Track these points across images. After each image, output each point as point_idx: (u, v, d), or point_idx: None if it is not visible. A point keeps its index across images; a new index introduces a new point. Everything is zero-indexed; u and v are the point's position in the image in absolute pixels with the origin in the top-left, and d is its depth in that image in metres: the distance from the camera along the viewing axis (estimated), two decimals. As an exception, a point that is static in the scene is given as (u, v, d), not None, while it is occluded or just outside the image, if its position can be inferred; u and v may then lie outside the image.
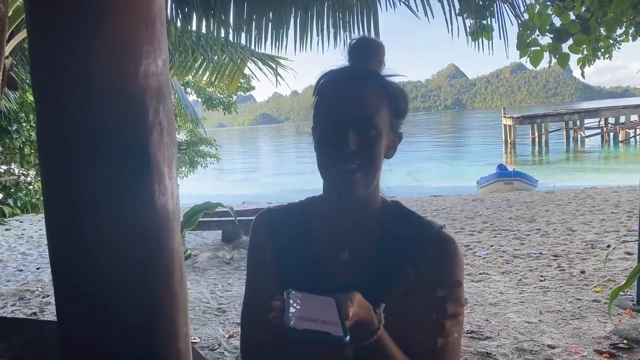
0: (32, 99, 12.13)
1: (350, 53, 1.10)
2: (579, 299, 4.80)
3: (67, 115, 1.05)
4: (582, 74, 5.40)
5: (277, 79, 6.44)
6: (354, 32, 4.57)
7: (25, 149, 12.88)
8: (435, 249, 1.07)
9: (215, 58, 6.25)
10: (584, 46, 4.91)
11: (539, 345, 3.84)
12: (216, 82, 6.96)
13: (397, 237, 1.11)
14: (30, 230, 10.75)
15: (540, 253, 6.72)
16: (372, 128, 1.04)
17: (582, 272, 5.67)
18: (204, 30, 4.72)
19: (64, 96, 1.04)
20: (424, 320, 1.01)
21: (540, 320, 4.35)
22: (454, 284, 1.02)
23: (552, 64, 4.81)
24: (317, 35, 4.63)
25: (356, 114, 1.03)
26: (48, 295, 6.03)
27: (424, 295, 1.02)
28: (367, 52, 1.09)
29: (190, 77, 11.47)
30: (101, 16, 1.04)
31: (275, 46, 4.78)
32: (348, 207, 1.11)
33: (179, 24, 4.69)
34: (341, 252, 1.11)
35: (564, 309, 4.58)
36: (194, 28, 4.84)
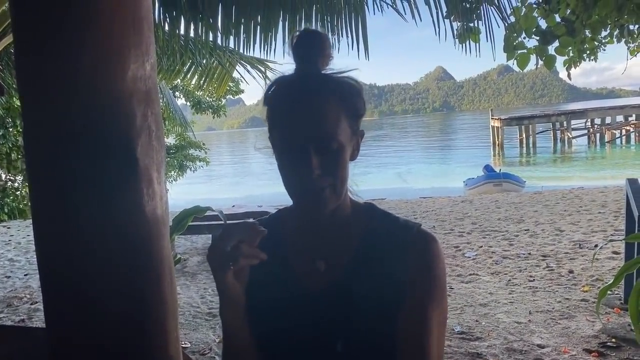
0: (18, 104, 12.04)
1: (294, 52, 1.03)
2: (567, 299, 4.84)
3: (53, 119, 1.04)
4: (568, 76, 5.46)
5: (266, 82, 6.44)
6: (342, 36, 4.57)
7: (12, 155, 12.74)
8: (419, 248, 1.05)
9: (204, 61, 6.23)
10: (570, 48, 4.96)
11: (528, 345, 3.87)
12: (205, 86, 6.95)
13: (376, 241, 1.07)
14: (18, 237, 10.64)
15: (529, 253, 6.77)
16: (334, 143, 0.98)
17: (571, 271, 5.72)
18: (192, 34, 4.71)
19: (50, 100, 1.04)
20: (413, 316, 1.02)
21: (529, 320, 4.38)
22: (439, 279, 1.05)
23: (538, 66, 4.85)
24: (306, 39, 4.64)
25: (315, 134, 0.97)
26: (36, 302, 5.97)
27: (412, 294, 1.03)
28: (312, 48, 1.01)
29: (178, 80, 11.44)
30: (87, 20, 1.03)
31: (263, 49, 4.77)
32: (318, 220, 1.07)
33: (166, 27, 4.68)
34: (317, 261, 1.08)
35: (553, 308, 4.61)
36: (182, 31, 4.82)
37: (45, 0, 1.03)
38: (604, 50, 5.41)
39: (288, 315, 1.07)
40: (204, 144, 19.83)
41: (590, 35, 4.96)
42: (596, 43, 5.20)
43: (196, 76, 6.75)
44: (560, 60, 4.95)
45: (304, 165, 0.96)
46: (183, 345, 3.97)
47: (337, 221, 1.07)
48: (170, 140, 17.76)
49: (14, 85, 8.44)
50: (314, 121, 0.97)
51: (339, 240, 1.08)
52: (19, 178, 13.90)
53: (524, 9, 4.78)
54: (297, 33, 1.04)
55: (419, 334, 1.01)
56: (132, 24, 1.07)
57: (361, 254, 1.06)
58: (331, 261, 1.07)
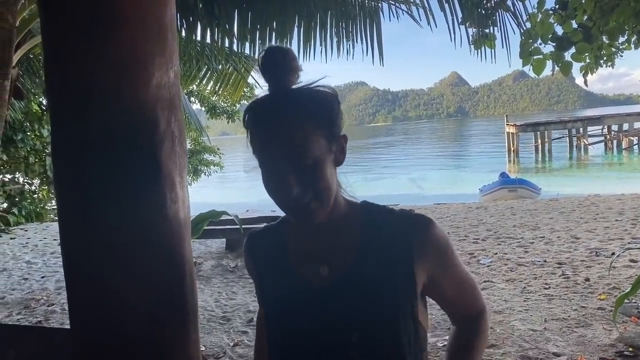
0: (37, 108, 12.23)
1: (262, 73, 1.06)
2: (583, 307, 4.79)
3: (80, 125, 1.07)
4: (585, 82, 5.42)
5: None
6: (356, 42, 4.61)
7: (30, 158, 12.94)
8: (422, 229, 1.10)
9: (220, 67, 6.30)
10: (587, 54, 4.94)
11: (544, 353, 3.84)
12: (220, 91, 7.01)
13: (376, 234, 1.11)
14: (35, 239, 10.78)
15: (545, 261, 6.71)
16: (307, 159, 1.01)
17: (587, 279, 5.66)
18: (208, 40, 4.77)
19: (77, 107, 1.07)
20: (450, 282, 1.16)
21: (545, 328, 4.34)
22: (450, 245, 1.15)
23: (554, 72, 4.83)
24: (320, 45, 4.68)
25: (286, 153, 1.00)
26: (53, 304, 6.05)
27: (437, 267, 1.12)
28: (277, 66, 1.04)
29: (194, 86, 11.56)
30: (114, 29, 1.06)
31: (279, 55, 4.81)
32: (314, 226, 1.09)
33: (183, 33, 4.74)
34: (319, 267, 1.10)
35: (569, 316, 4.57)
36: (198, 38, 4.89)
37: (73, 11, 1.06)
38: (621, 56, 5.37)
39: (300, 323, 1.10)
40: (218, 149, 19.98)
41: (607, 42, 4.92)
42: (613, 49, 5.17)
43: (212, 82, 6.82)
44: (576, 66, 4.93)
45: (283, 186, 1.00)
46: (198, 349, 3.99)
47: (334, 223, 1.10)
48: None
49: (33, 90, 8.58)
50: (284, 142, 1.00)
51: (339, 241, 1.11)
52: (37, 181, 14.10)
53: (540, 15, 4.77)
54: (262, 53, 1.06)
55: (463, 289, 1.20)
56: (156, 33, 1.10)
57: (364, 249, 1.09)
58: (335, 263, 1.10)
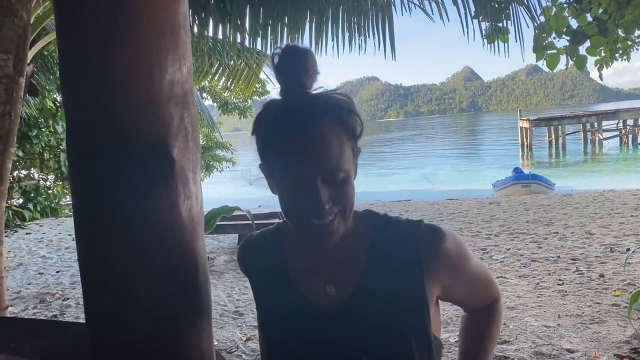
0: (51, 105, 12.35)
1: (277, 72, 0.98)
2: (598, 303, 4.75)
3: (94, 122, 1.08)
4: (600, 76, 5.36)
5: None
6: (368, 37, 4.59)
7: (45, 154, 13.08)
8: (430, 251, 1.03)
9: (231, 63, 6.32)
10: (602, 48, 4.88)
11: (557, 349, 3.82)
12: (232, 87, 7.03)
13: (385, 250, 1.04)
14: (50, 234, 10.92)
15: (558, 257, 6.66)
16: (340, 172, 0.94)
17: (601, 275, 5.61)
18: (220, 36, 4.78)
19: (92, 103, 1.08)
20: (468, 288, 1.15)
21: (559, 324, 4.32)
22: (466, 252, 1.10)
23: (569, 67, 4.78)
24: (332, 40, 4.67)
25: (323, 168, 0.93)
26: (68, 298, 6.12)
27: (455, 279, 1.09)
28: (296, 69, 0.96)
29: (206, 82, 11.60)
30: (127, 26, 1.07)
31: (290, 51, 4.82)
32: (323, 243, 1.02)
33: (195, 29, 4.75)
34: (327, 286, 1.05)
35: (583, 313, 4.54)
36: (210, 33, 4.90)
37: (87, 8, 1.07)
38: (637, 49, 5.30)
39: (305, 346, 1.05)
40: (230, 145, 20.06)
41: (623, 35, 4.86)
42: (629, 42, 5.10)
43: (224, 77, 6.84)
44: (591, 60, 4.87)
45: (313, 199, 0.93)
46: (211, 343, 4.03)
47: (343, 241, 1.02)
48: (197, 140, 18.00)
49: (47, 87, 8.65)
50: (320, 155, 0.93)
51: (344, 257, 1.05)
52: (51, 177, 14.24)
53: (554, 9, 4.71)
54: (278, 50, 0.98)
55: (478, 285, 1.18)
56: (169, 29, 1.11)
57: (370, 268, 1.03)
58: (340, 281, 1.04)
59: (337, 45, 4.66)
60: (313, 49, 4.75)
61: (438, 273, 1.04)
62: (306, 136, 0.92)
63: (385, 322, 1.01)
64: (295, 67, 0.96)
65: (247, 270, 1.19)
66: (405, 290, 1.02)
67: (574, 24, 4.79)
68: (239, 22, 4.56)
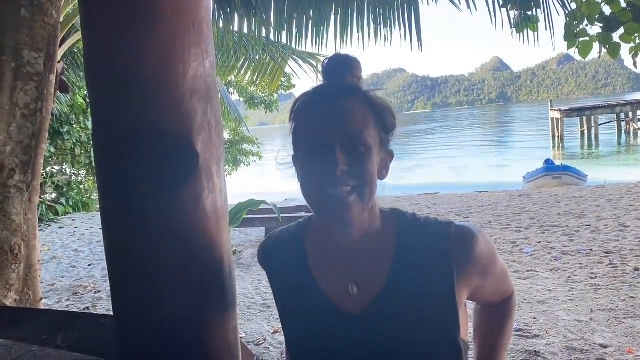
0: (81, 101, 12.60)
1: (325, 73, 1.02)
2: (632, 297, 4.63)
3: (120, 116, 1.10)
4: (635, 64, 5.19)
5: (317, 77, 6.48)
6: (394, 28, 4.55)
7: (76, 150, 13.38)
8: (461, 253, 1.00)
9: (257, 57, 6.34)
10: (636, 35, 4.72)
11: (590, 344, 3.73)
12: (258, 81, 7.07)
13: (414, 254, 1.01)
14: (82, 228, 11.17)
15: (591, 250, 6.51)
16: (360, 144, 0.95)
17: (636, 269, 5.47)
18: (245, 30, 4.80)
19: (117, 98, 1.09)
20: (493, 290, 1.15)
21: (591, 318, 4.23)
22: (495, 256, 1.09)
23: (602, 55, 4.65)
24: (358, 32, 4.64)
25: (342, 130, 0.94)
26: (100, 291, 6.26)
27: (484, 284, 1.08)
28: (342, 70, 1.00)
29: (232, 76, 11.68)
30: (150, 22, 1.08)
31: (315, 44, 4.82)
32: (346, 235, 1.02)
33: (221, 24, 4.78)
34: (349, 285, 1.02)
35: (617, 307, 4.43)
36: (235, 28, 4.93)
37: (112, 6, 1.08)
38: (674, 36, 5.11)
39: (327, 348, 1.03)
40: (257, 139, 20.19)
41: (658, 21, 4.69)
42: (665, 29, 4.92)
43: (250, 72, 6.89)
44: (625, 47, 4.72)
45: (329, 162, 0.93)
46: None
47: (367, 238, 1.02)
48: (225, 135, 18.19)
49: (78, 84, 8.82)
50: (341, 119, 0.95)
51: (370, 256, 1.03)
52: (83, 172, 14.57)
53: (586, -5, 4.58)
54: (327, 59, 1.03)
55: (500, 285, 1.16)
56: (192, 25, 1.11)
57: (397, 269, 1.01)
58: (364, 281, 1.02)
59: (363, 38, 4.63)
60: (338, 42, 4.74)
61: (470, 277, 1.02)
62: (331, 105, 0.96)
63: (412, 327, 0.98)
64: (342, 67, 1.01)
65: (266, 267, 1.18)
66: (434, 295, 0.99)
67: (607, 10, 4.64)
68: (264, 17, 4.57)
